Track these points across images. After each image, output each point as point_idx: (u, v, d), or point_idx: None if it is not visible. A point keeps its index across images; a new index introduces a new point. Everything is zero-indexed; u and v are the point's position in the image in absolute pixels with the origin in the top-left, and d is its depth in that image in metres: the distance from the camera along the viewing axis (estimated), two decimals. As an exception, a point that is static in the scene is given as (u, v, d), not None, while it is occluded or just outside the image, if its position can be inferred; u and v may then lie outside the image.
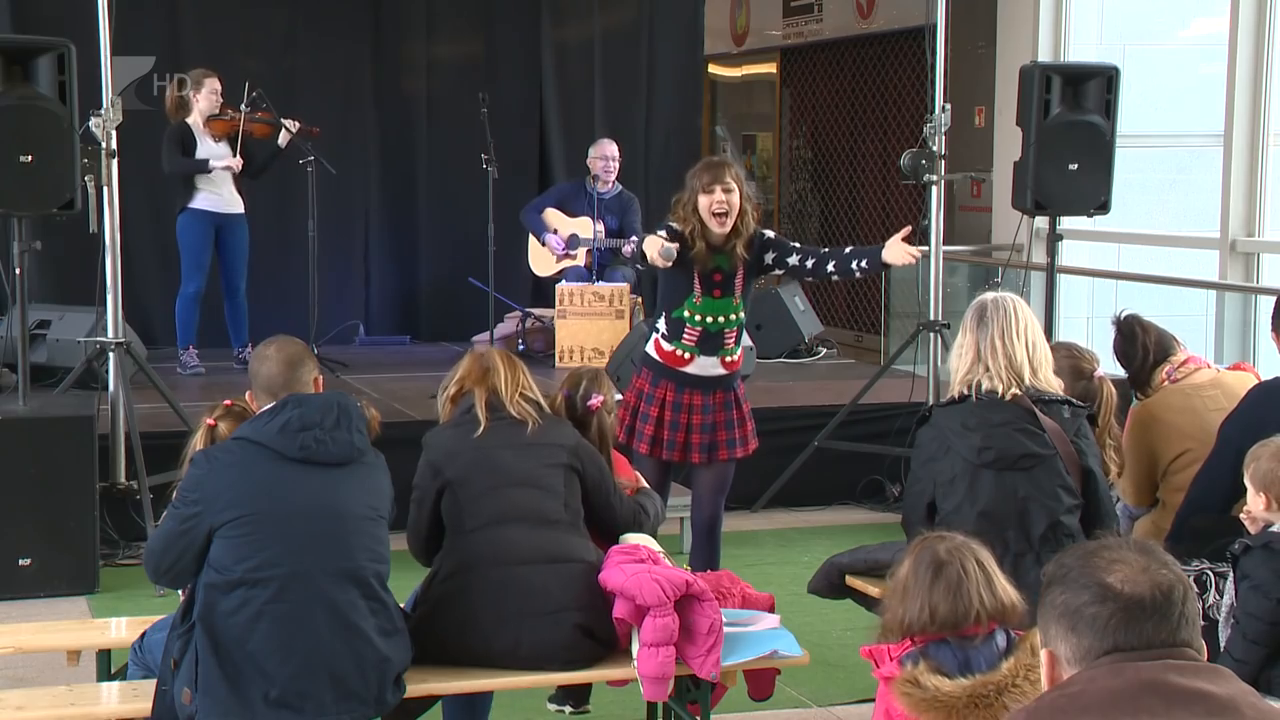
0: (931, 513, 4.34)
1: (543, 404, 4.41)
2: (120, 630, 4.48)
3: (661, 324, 5.56)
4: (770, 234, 5.62)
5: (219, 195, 8.77)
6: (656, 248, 5.29)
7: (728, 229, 5.40)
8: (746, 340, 8.32)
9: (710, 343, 5.51)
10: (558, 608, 4.13)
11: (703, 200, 5.38)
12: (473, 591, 4.12)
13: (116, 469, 6.73)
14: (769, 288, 10.84)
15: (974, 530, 3.81)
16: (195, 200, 8.74)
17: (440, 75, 10.95)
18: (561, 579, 4.15)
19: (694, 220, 5.40)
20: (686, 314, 5.48)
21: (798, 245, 5.64)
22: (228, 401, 4.19)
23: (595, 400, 4.71)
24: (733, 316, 5.52)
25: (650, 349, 5.61)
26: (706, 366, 5.54)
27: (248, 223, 8.96)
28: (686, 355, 5.51)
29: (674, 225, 5.44)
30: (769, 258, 5.56)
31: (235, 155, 8.76)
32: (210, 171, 8.64)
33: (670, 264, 5.32)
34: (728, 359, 5.57)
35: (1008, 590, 3.44)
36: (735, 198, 5.39)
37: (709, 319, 5.50)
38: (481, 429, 4.28)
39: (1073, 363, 4.86)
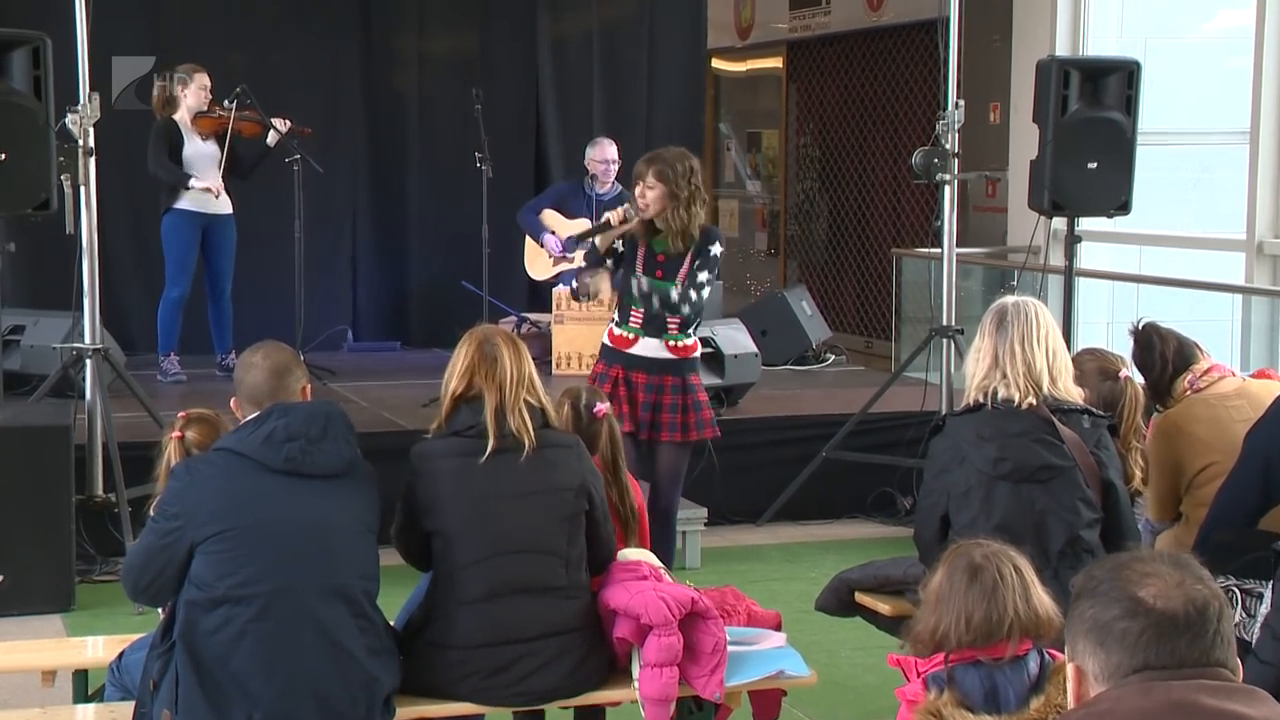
0: (945, 527, 4.34)
1: (546, 408, 4.21)
2: (97, 650, 4.47)
3: (616, 313, 6.10)
4: (713, 254, 5.99)
5: (206, 195, 8.77)
6: (616, 211, 6.05)
7: (645, 215, 5.96)
8: (751, 347, 8.41)
9: (654, 324, 5.97)
10: (555, 688, 4.09)
11: (636, 188, 6.01)
12: (460, 669, 4.02)
13: (93, 481, 6.72)
14: (775, 292, 10.85)
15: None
16: (181, 200, 8.74)
17: (432, 70, 10.96)
18: (560, 657, 4.09)
19: (632, 202, 6.04)
20: (634, 292, 5.98)
21: (695, 285, 6.00)
22: (183, 413, 4.16)
23: (600, 407, 4.72)
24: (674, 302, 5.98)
25: (605, 338, 6.11)
26: (651, 348, 5.99)
27: (235, 223, 8.95)
28: (631, 336, 6.00)
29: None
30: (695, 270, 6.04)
31: (223, 153, 8.75)
32: (189, 189, 8.65)
33: (629, 220, 5.97)
34: (673, 343, 6.00)
35: (1044, 601, 3.41)
36: (655, 194, 5.92)
37: (653, 297, 5.95)
38: (487, 453, 4.05)
39: (1099, 364, 4.88)
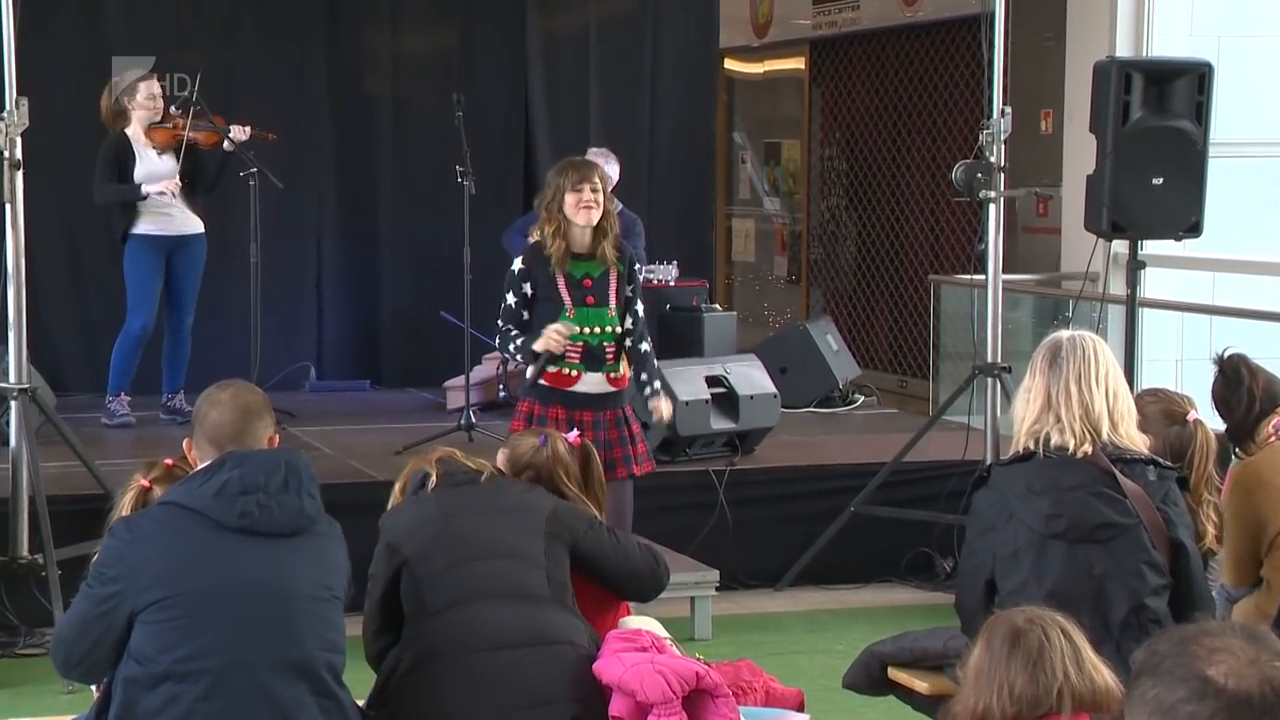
0: (990, 593, 4.33)
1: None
2: (22, 733, 4.46)
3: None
4: (639, 278, 6.54)
5: (169, 216, 8.76)
6: (553, 336, 6.14)
7: (594, 222, 6.26)
8: (769, 387, 8.42)
9: (594, 358, 6.31)
10: (545, 700, 4.13)
11: (569, 198, 6.25)
12: (441, 685, 4.10)
13: (18, 540, 6.71)
14: (796, 324, 10.85)
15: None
16: (140, 224, 8.71)
17: (408, 72, 10.99)
18: (547, 665, 4.15)
19: (559, 219, 6.27)
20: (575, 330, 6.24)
21: (634, 321, 6.43)
22: (169, 461, 4.17)
23: (573, 436, 4.82)
24: (609, 329, 6.34)
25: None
26: (594, 383, 6.32)
27: (206, 243, 8.95)
28: (574, 373, 6.29)
29: (517, 274, 6.31)
30: (626, 291, 6.42)
31: (178, 166, 8.73)
32: (145, 198, 8.64)
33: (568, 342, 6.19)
34: (613, 375, 6.37)
35: (1099, 670, 3.40)
36: (601, 197, 6.28)
37: (588, 330, 6.29)
38: (433, 484, 4.36)
39: (1163, 406, 4.87)
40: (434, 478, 4.39)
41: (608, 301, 6.33)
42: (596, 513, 4.60)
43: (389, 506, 4.50)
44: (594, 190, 6.24)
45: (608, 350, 6.32)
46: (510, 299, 6.32)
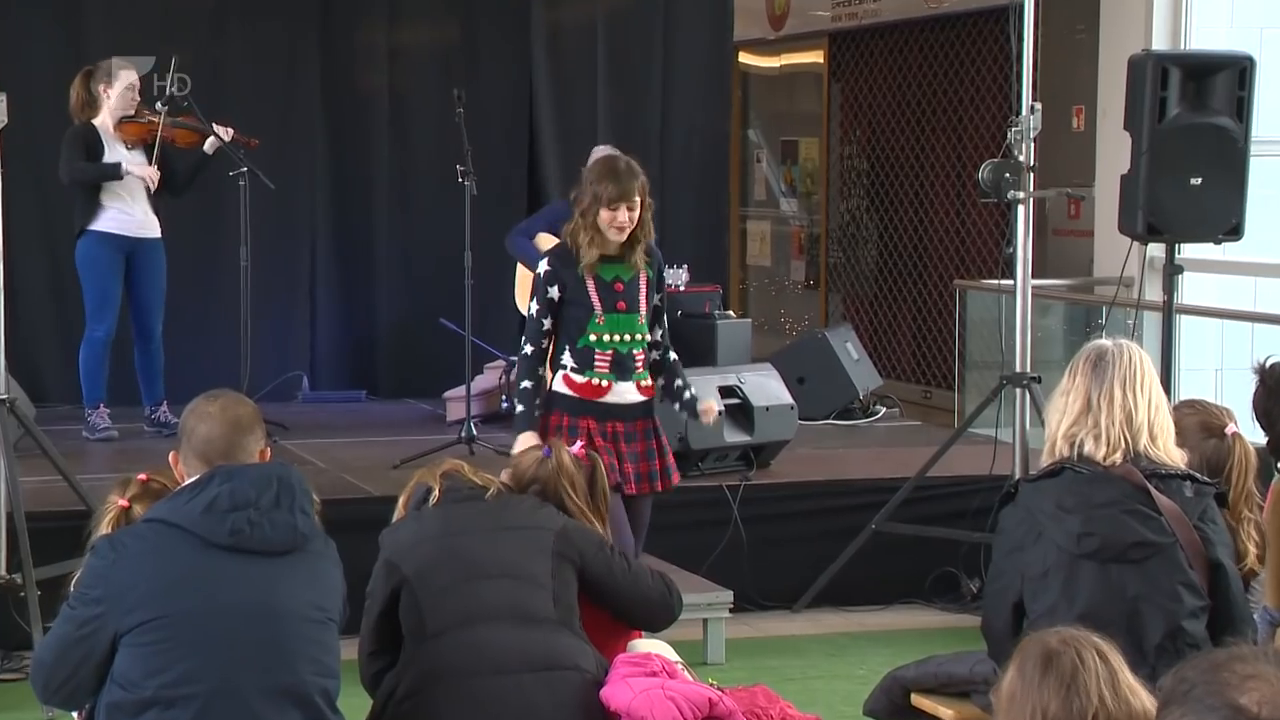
0: (1019, 615, 4.34)
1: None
2: (0, 762, 4.48)
3: (566, 358, 6.26)
4: (666, 286, 6.52)
5: (129, 215, 8.75)
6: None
7: (623, 240, 6.22)
8: (786, 397, 8.42)
9: (623, 366, 6.26)
10: None
11: (604, 214, 6.19)
12: (441, 711, 4.12)
13: (-4, 559, 6.73)
14: (815, 332, 10.85)
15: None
16: (99, 220, 8.70)
17: (406, 67, 11.00)
18: (553, 691, 4.17)
19: (591, 231, 6.23)
20: (593, 338, 6.23)
21: (663, 332, 6.45)
22: (143, 476, 4.18)
23: (577, 449, 4.86)
24: (639, 337, 6.30)
25: (560, 387, 6.27)
26: (624, 393, 6.27)
27: (164, 248, 8.94)
28: (604, 383, 6.24)
29: (544, 276, 6.25)
30: (655, 299, 6.39)
31: (151, 165, 8.71)
32: (123, 177, 8.60)
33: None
34: (643, 384, 6.33)
35: (1137, 693, 3.39)
36: (637, 214, 6.22)
37: (618, 338, 6.24)
38: (434, 499, 4.40)
39: (1201, 418, 4.87)
40: (436, 493, 4.41)
41: (638, 308, 6.26)
42: (600, 528, 4.61)
43: (393, 521, 4.52)
44: (630, 209, 6.16)
45: (637, 358, 6.27)
46: (533, 306, 6.26)
